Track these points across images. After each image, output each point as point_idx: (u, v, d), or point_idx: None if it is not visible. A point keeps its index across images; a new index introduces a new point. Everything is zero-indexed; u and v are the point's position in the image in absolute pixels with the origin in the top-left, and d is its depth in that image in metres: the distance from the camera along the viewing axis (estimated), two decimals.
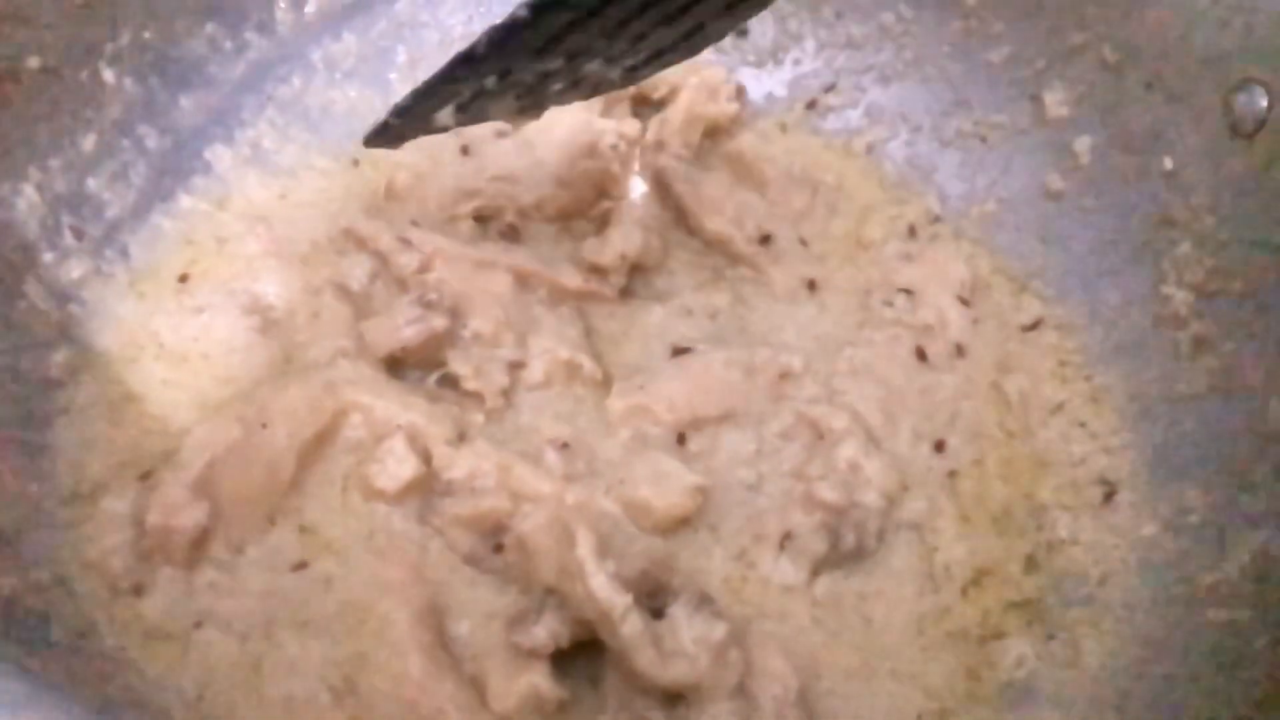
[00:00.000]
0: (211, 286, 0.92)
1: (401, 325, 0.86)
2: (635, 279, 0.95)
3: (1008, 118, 1.01)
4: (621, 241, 0.92)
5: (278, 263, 0.92)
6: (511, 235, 0.96)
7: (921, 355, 0.91)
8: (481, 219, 0.96)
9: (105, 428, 0.83)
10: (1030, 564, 0.83)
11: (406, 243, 0.90)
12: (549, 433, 0.84)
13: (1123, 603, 0.79)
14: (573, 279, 0.92)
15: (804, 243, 0.98)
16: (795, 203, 0.99)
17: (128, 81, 0.95)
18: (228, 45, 1.02)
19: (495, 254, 0.92)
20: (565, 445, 0.83)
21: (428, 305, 0.87)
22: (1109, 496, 0.84)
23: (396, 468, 0.79)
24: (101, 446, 0.82)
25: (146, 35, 0.96)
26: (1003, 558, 0.83)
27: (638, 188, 1.02)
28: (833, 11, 1.09)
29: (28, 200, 0.87)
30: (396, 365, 0.88)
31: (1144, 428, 0.87)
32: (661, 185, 0.98)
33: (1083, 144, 0.97)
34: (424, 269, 0.89)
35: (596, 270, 0.92)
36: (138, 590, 0.75)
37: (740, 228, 0.95)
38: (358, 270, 0.92)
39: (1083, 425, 0.88)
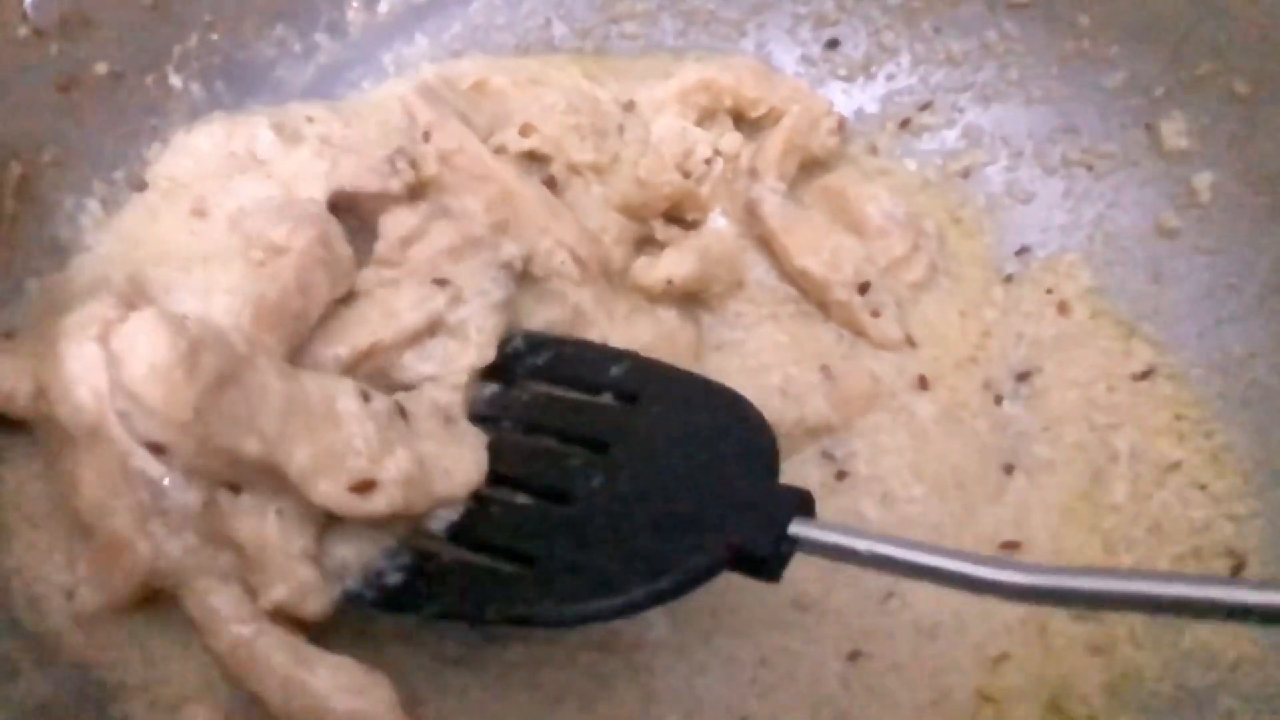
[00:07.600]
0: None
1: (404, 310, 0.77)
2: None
3: (1119, 147, 0.95)
4: (672, 266, 0.86)
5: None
6: (550, 185, 0.89)
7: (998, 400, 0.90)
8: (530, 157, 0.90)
9: None
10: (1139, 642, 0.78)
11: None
12: None
13: (1259, 695, 0.73)
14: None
15: (899, 302, 0.91)
16: (896, 249, 0.92)
17: (194, 86, 0.91)
18: (297, 48, 0.98)
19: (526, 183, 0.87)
20: None
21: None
22: (1237, 569, 0.78)
23: None
24: None
25: (214, 37, 0.92)
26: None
27: (717, 218, 0.94)
28: (931, 25, 1.02)
29: (92, 216, 0.83)
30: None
31: (1274, 493, 0.80)
32: (754, 217, 0.91)
33: (1203, 179, 0.90)
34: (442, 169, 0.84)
35: (640, 291, 0.87)
36: None
37: (837, 271, 0.89)
38: None
39: (1203, 488, 0.82)
